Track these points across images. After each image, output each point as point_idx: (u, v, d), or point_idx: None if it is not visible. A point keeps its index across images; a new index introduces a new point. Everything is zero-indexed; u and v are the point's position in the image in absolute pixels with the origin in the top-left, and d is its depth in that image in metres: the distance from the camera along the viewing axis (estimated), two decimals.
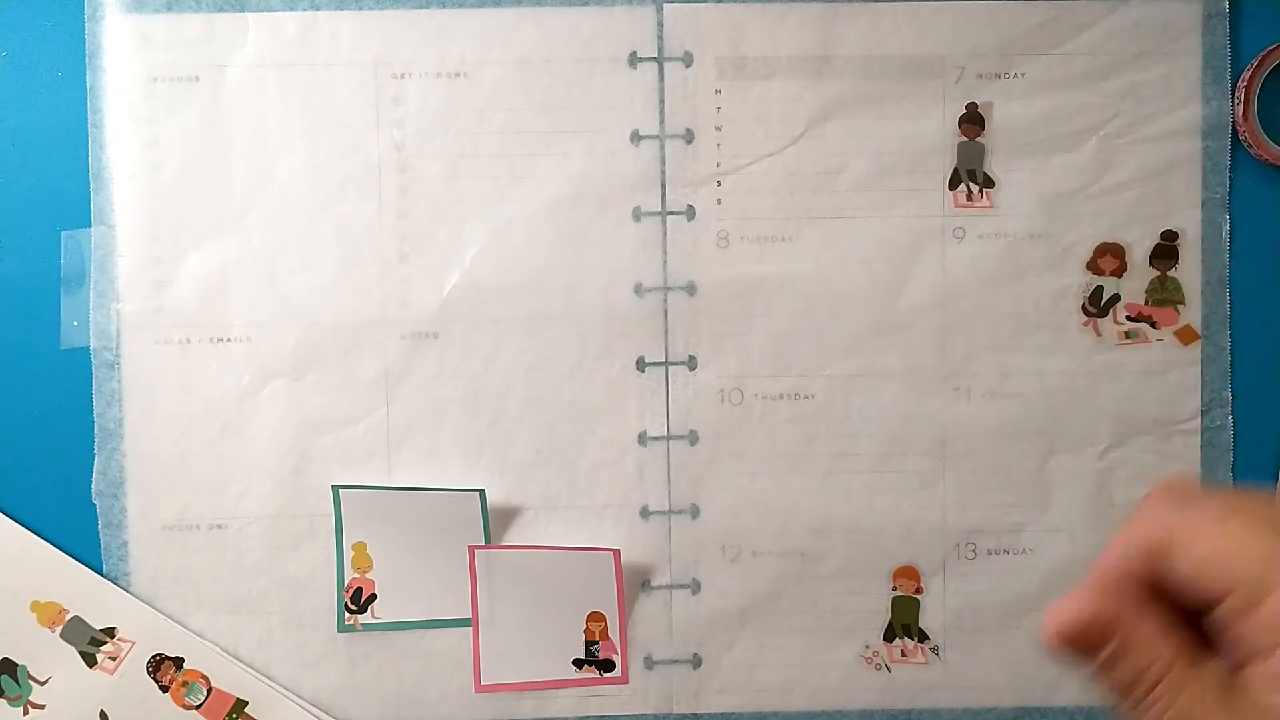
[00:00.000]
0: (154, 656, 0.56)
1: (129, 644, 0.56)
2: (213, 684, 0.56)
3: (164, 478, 0.57)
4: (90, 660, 0.56)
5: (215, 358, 0.57)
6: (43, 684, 0.56)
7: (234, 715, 0.56)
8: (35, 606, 0.56)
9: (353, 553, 0.57)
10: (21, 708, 0.56)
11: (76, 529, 0.57)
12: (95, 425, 0.57)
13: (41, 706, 0.56)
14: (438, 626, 0.58)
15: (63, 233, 0.57)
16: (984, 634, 0.59)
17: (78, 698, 0.56)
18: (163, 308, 0.57)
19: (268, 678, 0.57)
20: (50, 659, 0.56)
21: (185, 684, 0.56)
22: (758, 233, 0.58)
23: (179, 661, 0.56)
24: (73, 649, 0.56)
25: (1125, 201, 0.58)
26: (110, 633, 0.56)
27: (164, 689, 0.56)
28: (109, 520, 0.57)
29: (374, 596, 0.57)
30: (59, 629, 0.56)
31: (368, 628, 0.57)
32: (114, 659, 0.56)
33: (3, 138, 0.57)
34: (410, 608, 0.57)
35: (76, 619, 0.56)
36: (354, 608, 0.57)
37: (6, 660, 0.56)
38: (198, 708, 0.56)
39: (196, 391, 0.57)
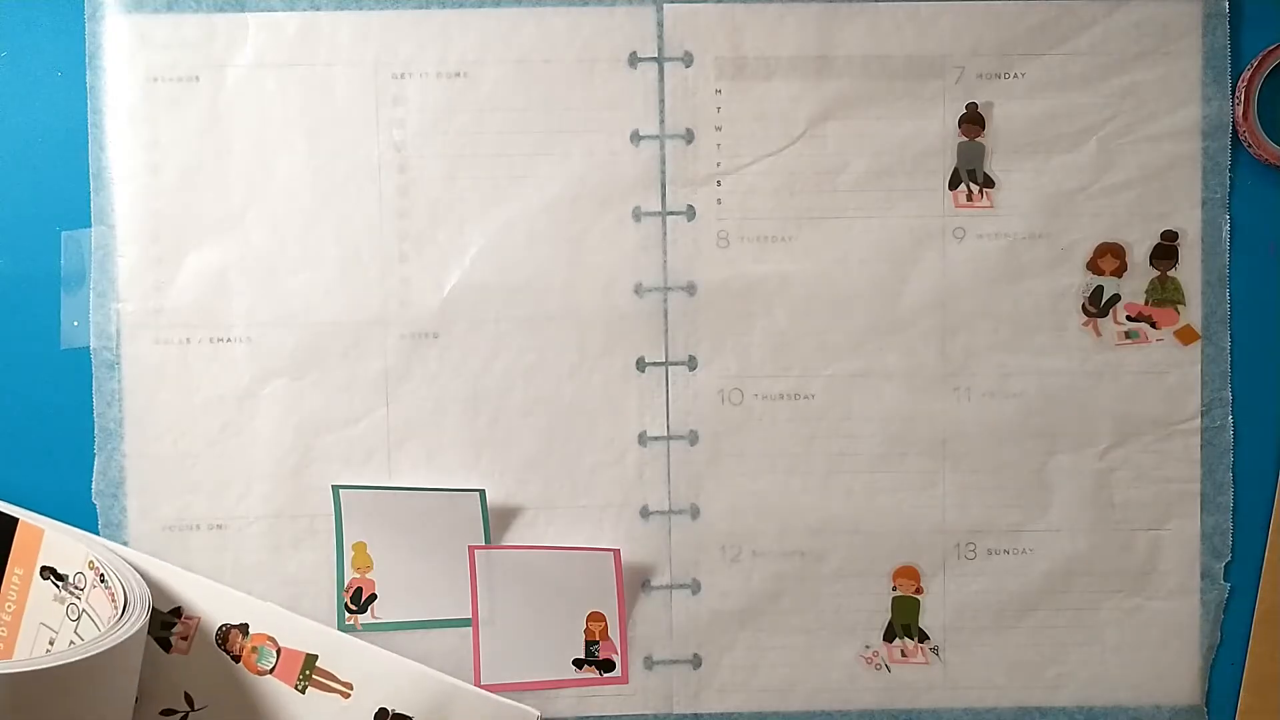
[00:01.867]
0: (221, 627, 0.56)
1: (195, 620, 0.56)
2: (280, 644, 0.56)
3: (164, 478, 0.57)
4: (165, 645, 0.55)
5: (215, 358, 0.57)
6: None
7: (307, 672, 0.55)
8: None
9: (353, 553, 0.57)
10: None
11: (77, 529, 0.57)
12: (95, 425, 0.57)
13: (134, 703, 0.55)
14: (438, 626, 0.58)
15: (63, 233, 0.57)
16: (984, 634, 0.59)
17: (162, 686, 0.55)
18: (163, 308, 0.57)
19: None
20: None
21: (255, 649, 0.56)
22: (758, 233, 0.58)
23: (244, 628, 0.56)
24: (149, 638, 0.55)
25: (1125, 201, 0.58)
26: (177, 613, 0.56)
27: (236, 659, 0.56)
28: (109, 520, 0.57)
29: (374, 596, 0.57)
30: None
31: (368, 628, 0.57)
32: (185, 639, 0.55)
33: (3, 138, 0.57)
34: (410, 608, 0.57)
35: None
36: (354, 608, 0.57)
37: None
38: (271, 671, 0.55)
39: (196, 391, 0.57)
